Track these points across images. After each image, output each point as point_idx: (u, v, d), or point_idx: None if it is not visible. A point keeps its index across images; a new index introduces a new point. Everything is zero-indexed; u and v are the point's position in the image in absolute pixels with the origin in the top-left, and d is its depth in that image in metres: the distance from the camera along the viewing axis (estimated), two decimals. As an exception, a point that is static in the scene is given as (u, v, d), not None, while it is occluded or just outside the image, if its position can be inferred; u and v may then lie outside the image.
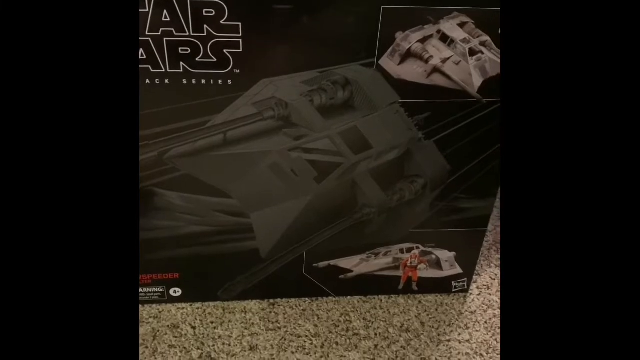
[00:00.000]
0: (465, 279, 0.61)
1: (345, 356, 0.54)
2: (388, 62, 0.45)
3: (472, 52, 0.45)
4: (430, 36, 0.44)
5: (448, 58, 0.45)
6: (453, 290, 0.62)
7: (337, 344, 0.55)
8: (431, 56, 0.45)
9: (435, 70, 0.45)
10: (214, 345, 0.55)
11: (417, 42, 0.44)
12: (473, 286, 0.63)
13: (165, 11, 0.41)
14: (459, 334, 0.57)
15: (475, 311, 0.60)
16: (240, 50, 0.43)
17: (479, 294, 0.62)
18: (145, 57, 0.43)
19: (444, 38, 0.44)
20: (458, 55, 0.45)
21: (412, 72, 0.45)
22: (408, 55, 0.44)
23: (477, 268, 0.62)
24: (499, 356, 0.55)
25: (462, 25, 0.43)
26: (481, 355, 0.55)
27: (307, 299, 0.61)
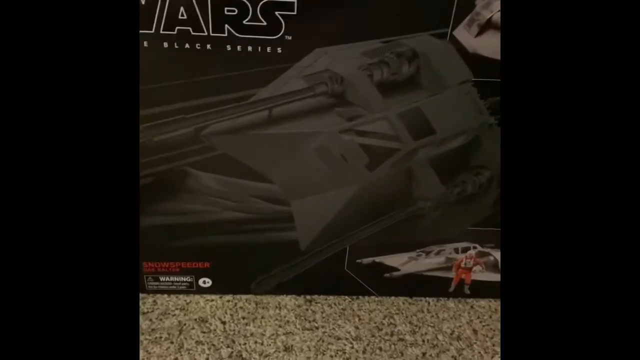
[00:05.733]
0: (524, 284, 0.55)
1: (389, 364, 0.49)
2: (464, 33, 0.39)
3: (564, 25, 0.38)
4: (517, 4, 0.38)
5: (535, 31, 0.39)
6: (509, 296, 0.56)
7: (380, 349, 0.50)
8: (515, 28, 0.39)
9: (519, 44, 0.39)
10: (245, 344, 0.50)
11: (500, 10, 0.38)
12: (531, 292, 0.57)
13: (211, -37, 0.35)
14: (516, 346, 0.52)
15: (533, 321, 0.54)
16: (295, 13, 0.38)
17: (537, 302, 0.57)
18: (185, 17, 0.38)
19: (533, 7, 0.38)
20: (547, 28, 0.39)
21: (490, 46, 0.39)
22: (488, 25, 0.39)
23: (536, 273, 0.56)
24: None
25: (556, -9, 0.37)
26: (542, 371, 0.49)
27: (347, 297, 0.55)
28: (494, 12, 0.38)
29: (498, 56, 0.40)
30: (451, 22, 0.39)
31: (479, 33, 0.39)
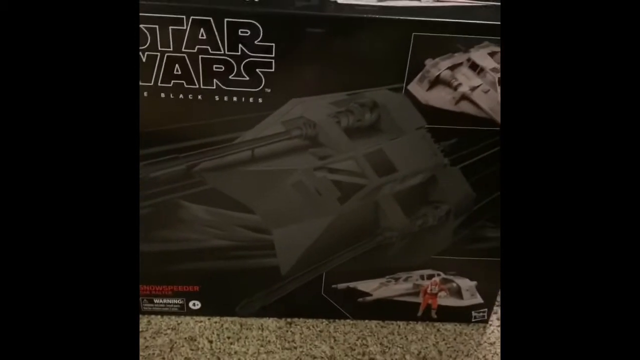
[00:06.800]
0: (486, 309, 0.60)
1: (360, 380, 0.54)
2: (417, 88, 0.45)
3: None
4: (460, 64, 0.44)
5: (477, 86, 0.45)
6: (473, 320, 0.61)
7: (352, 367, 0.55)
8: (460, 83, 0.45)
9: (464, 97, 0.46)
10: (229, 361, 0.55)
11: (446, 69, 0.44)
12: (493, 317, 0.62)
13: (202, 29, 0.42)
14: (477, 366, 0.56)
15: (494, 342, 0.59)
16: (273, 70, 0.44)
17: (499, 325, 0.61)
18: (180, 72, 0.44)
19: (474, 66, 0.44)
20: (487, 84, 0.45)
21: (440, 98, 0.46)
22: (437, 81, 0.45)
23: (497, 299, 0.61)
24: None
25: (492, 54, 0.44)
26: (499, 388, 0.54)
27: (324, 320, 0.60)
28: (442, 70, 0.44)
29: (447, 107, 0.46)
30: (405, 78, 0.45)
31: (430, 87, 0.45)
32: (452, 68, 0.44)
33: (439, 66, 0.44)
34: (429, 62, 0.44)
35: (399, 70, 0.44)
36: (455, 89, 0.45)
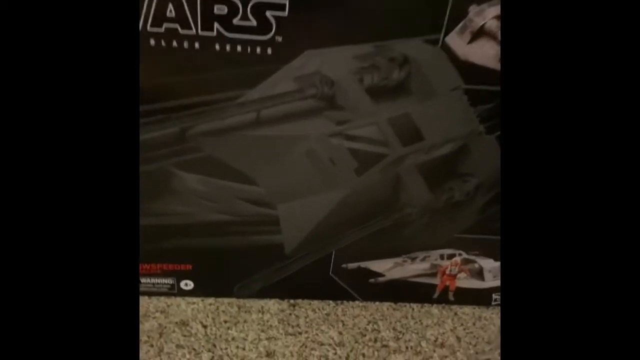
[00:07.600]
0: (508, 292, 0.55)
1: (373, 371, 0.49)
2: (456, 40, 0.38)
3: (555, 35, 0.38)
4: (510, 12, 0.37)
5: (527, 40, 0.39)
6: (492, 304, 0.56)
7: (363, 355, 0.50)
8: (507, 36, 0.38)
9: (510, 53, 0.39)
10: (226, 348, 0.49)
11: (492, 18, 0.38)
12: (514, 300, 0.57)
13: (202, -40, 0.35)
14: (499, 353, 0.52)
15: (516, 328, 0.54)
16: (286, 14, 0.37)
17: (520, 310, 0.57)
18: (174, 14, 0.37)
19: (525, 16, 0.38)
20: (538, 37, 0.38)
21: (482, 53, 0.39)
22: (480, 33, 0.38)
23: (520, 280, 0.56)
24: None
25: None
26: (525, 380, 0.49)
27: (331, 302, 0.55)
28: (487, 19, 0.38)
29: (490, 64, 0.40)
30: (444, 28, 0.38)
31: (471, 40, 0.38)
32: (500, 17, 0.38)
33: (484, 14, 0.37)
34: (472, 10, 0.37)
35: (436, 18, 0.38)
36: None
